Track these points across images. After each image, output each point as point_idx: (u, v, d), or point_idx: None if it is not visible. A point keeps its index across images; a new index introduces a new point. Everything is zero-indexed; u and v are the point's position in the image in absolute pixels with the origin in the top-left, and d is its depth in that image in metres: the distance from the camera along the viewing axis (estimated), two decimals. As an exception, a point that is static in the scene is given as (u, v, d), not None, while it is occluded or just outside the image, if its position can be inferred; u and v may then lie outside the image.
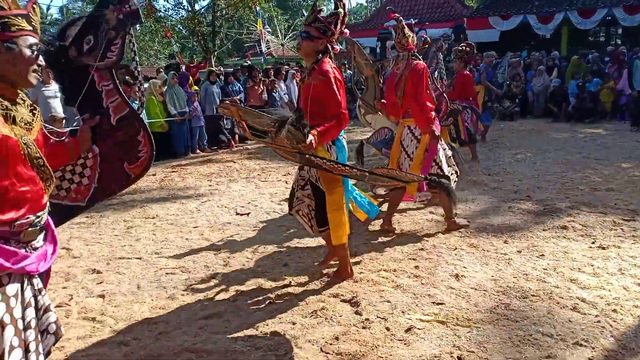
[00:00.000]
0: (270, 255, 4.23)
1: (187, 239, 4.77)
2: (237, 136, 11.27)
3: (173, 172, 8.24)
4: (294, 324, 3.01)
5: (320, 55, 3.28)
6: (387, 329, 2.90)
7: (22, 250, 1.73)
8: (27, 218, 1.75)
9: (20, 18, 1.77)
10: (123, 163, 2.64)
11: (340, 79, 3.28)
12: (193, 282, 3.71)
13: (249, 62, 14.67)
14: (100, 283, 3.76)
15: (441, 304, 3.18)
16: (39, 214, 1.80)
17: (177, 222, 5.35)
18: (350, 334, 2.86)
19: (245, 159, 9.27)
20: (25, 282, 1.75)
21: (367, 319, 3.01)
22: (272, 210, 5.59)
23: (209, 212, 5.67)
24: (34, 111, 1.88)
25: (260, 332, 2.94)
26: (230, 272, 3.87)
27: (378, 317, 3.04)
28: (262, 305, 3.28)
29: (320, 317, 3.07)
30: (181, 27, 20.19)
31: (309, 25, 3.29)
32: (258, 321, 3.06)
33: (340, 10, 3.28)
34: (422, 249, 4.14)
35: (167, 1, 19.80)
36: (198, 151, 10.32)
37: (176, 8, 20.00)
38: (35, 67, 1.80)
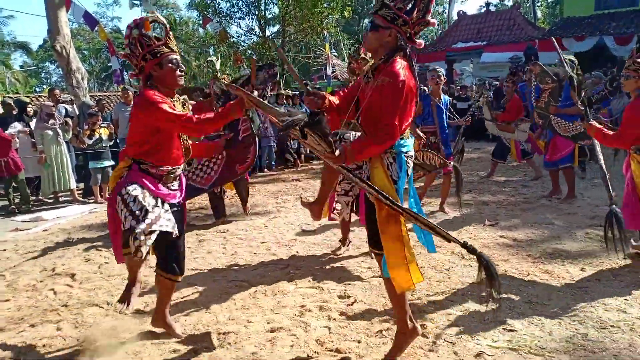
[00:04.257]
0: (335, 272, 4.25)
1: (255, 253, 4.90)
2: (302, 156, 11.49)
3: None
4: (359, 342, 3.01)
5: (392, 50, 2.61)
6: (455, 353, 2.84)
7: (163, 187, 2.97)
8: (169, 168, 2.96)
9: (161, 47, 2.87)
10: (236, 164, 4.16)
11: (413, 86, 2.58)
12: (260, 296, 3.80)
13: (317, 85, 14.95)
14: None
15: (513, 330, 3.06)
16: (175, 167, 3.02)
17: (246, 237, 5.51)
18: (417, 356, 2.81)
19: (310, 178, 9.41)
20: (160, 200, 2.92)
21: (434, 342, 2.95)
22: (337, 227, 5.62)
23: (276, 229, 5.80)
24: (184, 105, 3.05)
25: (326, 348, 2.96)
26: (296, 288, 3.93)
27: (446, 340, 2.98)
28: (328, 322, 3.30)
29: (386, 337, 3.04)
30: (251, 53, 20.96)
31: (375, 13, 2.63)
32: (324, 337, 3.08)
33: None
34: (491, 273, 4.01)
35: (240, 27, 20.51)
36: (266, 170, 10.60)
37: (248, 34, 20.82)
38: (178, 72, 2.90)
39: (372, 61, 2.83)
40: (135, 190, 2.82)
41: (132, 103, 3.09)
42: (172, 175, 3.02)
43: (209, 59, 7.56)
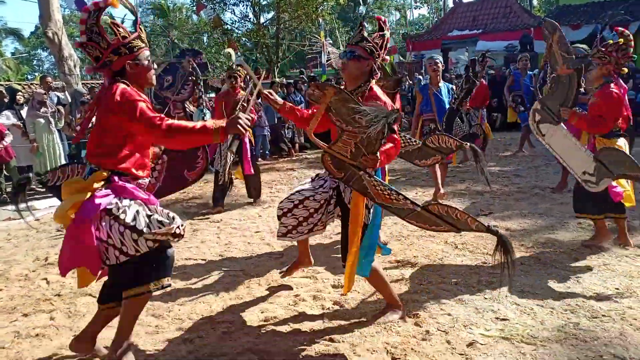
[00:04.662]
0: (329, 261, 4.25)
1: (249, 243, 4.90)
2: (297, 145, 11.47)
3: (235, 179, 8.46)
4: (352, 331, 3.01)
5: (368, 78, 3.04)
6: (448, 342, 2.85)
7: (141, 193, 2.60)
8: (145, 180, 2.67)
9: (136, 40, 2.54)
10: (183, 170, 3.56)
11: (391, 105, 2.97)
12: (254, 285, 3.80)
13: (312, 73, 14.89)
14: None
15: (505, 319, 3.08)
16: (148, 178, 2.72)
17: (240, 226, 5.51)
18: (410, 345, 2.83)
19: (304, 168, 9.40)
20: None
21: (427, 331, 2.97)
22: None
23: (270, 218, 5.79)
24: None
25: (320, 337, 2.96)
26: (290, 277, 3.93)
27: (439, 329, 2.99)
28: (322, 311, 3.31)
29: (380, 326, 3.06)
30: (246, 40, 20.78)
31: (356, 44, 3.01)
32: (318, 327, 3.09)
33: (386, 32, 3.11)
34: (485, 263, 4.04)
35: (234, 14, 20.32)
36: (260, 159, 10.57)
37: (242, 21, 20.66)
38: (152, 71, 2.65)
39: None
40: (130, 206, 2.49)
41: (98, 99, 2.59)
42: (144, 188, 2.72)
43: (225, 50, 7.34)
